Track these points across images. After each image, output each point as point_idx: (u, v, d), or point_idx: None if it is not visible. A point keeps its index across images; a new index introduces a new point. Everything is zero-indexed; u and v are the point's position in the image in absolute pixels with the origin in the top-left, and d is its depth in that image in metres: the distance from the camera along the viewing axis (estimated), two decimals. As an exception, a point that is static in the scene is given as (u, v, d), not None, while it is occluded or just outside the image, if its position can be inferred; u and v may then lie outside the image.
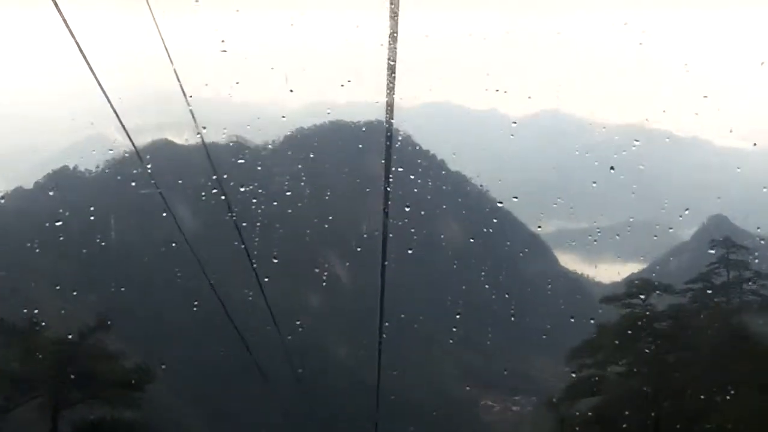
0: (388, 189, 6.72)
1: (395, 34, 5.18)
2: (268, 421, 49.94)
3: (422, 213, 67.74)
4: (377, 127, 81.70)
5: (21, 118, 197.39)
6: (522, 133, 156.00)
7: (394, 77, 5.64)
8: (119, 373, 28.60)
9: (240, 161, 68.40)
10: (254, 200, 60.14)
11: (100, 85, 6.75)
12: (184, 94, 7.27)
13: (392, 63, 5.59)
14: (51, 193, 73.94)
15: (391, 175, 6.82)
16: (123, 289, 55.64)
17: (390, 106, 5.88)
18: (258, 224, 56.14)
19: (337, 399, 53.34)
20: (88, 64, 6.45)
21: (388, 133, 6.25)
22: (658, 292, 32.35)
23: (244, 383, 50.67)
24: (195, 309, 54.01)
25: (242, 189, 56.54)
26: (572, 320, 69.82)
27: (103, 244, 61.57)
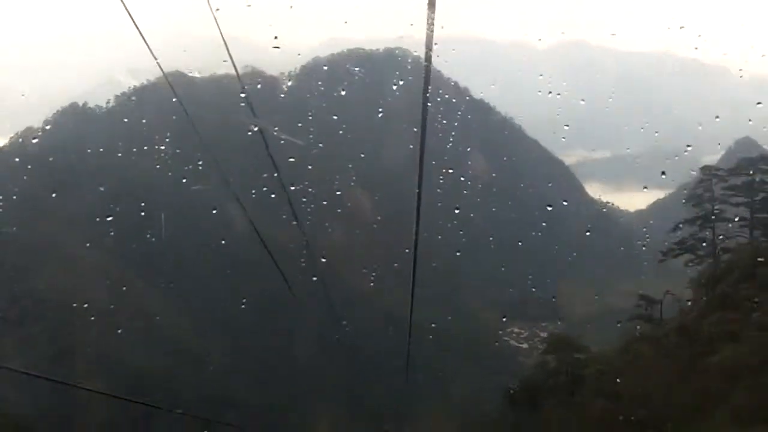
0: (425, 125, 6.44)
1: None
2: (304, 353, 51.15)
3: (451, 141, 67.12)
4: (395, 55, 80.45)
5: (33, 67, 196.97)
6: (547, 65, 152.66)
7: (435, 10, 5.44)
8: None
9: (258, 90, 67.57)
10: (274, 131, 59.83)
11: (134, 23, 6.60)
12: (221, 33, 7.07)
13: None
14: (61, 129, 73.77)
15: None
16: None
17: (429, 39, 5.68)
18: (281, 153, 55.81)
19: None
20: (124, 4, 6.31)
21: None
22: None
23: (278, 315, 51.71)
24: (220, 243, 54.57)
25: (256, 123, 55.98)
26: (597, 249, 70.10)
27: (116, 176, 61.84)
